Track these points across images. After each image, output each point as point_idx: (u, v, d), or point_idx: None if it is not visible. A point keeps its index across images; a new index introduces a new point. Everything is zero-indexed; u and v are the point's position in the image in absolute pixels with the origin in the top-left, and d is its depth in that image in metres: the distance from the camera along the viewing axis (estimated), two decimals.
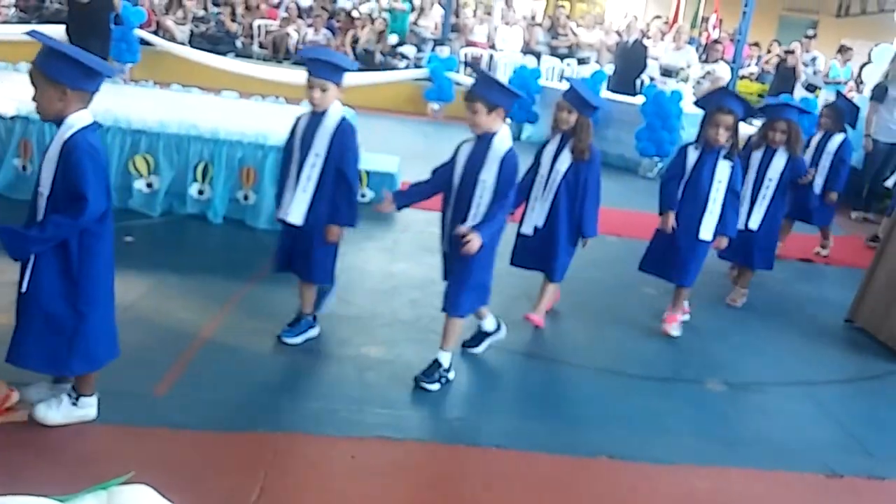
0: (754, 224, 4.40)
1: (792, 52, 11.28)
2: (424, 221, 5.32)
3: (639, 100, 9.06)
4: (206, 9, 12.93)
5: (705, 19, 12.73)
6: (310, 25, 12.76)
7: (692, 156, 3.83)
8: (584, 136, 3.54)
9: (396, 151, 6.19)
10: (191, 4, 12.86)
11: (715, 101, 3.82)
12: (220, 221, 4.77)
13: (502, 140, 2.96)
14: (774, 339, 4.17)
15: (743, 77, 11.85)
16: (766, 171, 4.38)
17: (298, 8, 13.31)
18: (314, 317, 3.33)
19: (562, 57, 13.26)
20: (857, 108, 5.99)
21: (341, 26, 13.08)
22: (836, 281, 5.33)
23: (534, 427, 2.89)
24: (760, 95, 10.98)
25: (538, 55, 12.93)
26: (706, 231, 3.78)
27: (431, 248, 4.69)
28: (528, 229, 3.72)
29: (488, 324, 3.42)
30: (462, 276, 3.00)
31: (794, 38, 13.24)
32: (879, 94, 6.92)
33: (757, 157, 4.42)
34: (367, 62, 12.26)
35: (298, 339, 3.25)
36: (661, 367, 3.56)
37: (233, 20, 12.66)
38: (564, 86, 10.26)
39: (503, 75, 12.15)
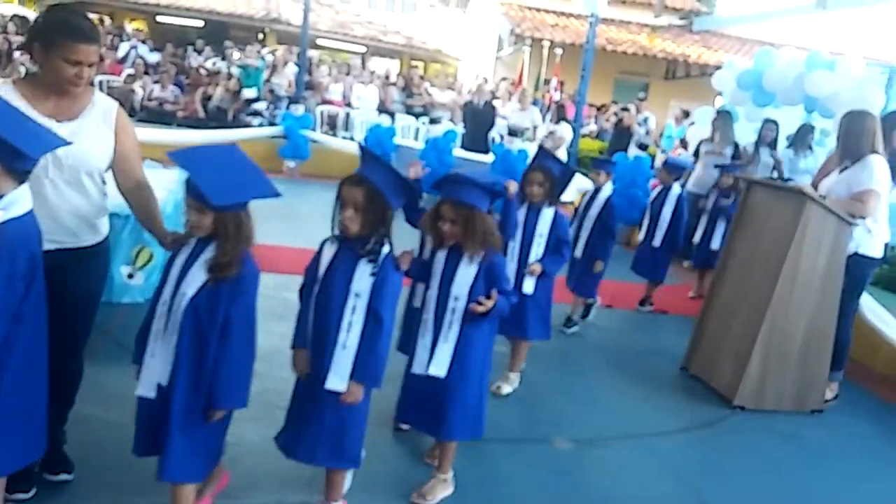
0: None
1: (627, 109, 12.16)
2: (274, 286, 5.15)
3: (489, 158, 9.40)
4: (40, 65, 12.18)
5: (547, 81, 13.47)
6: (156, 82, 12.32)
7: (327, 253, 2.49)
8: (230, 244, 2.23)
9: (250, 210, 5.99)
10: (23, 59, 12.08)
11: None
12: None
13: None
14: (616, 390, 4.33)
15: (584, 135, 12.58)
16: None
17: (145, 63, 12.84)
18: None
19: (417, 115, 13.57)
20: (572, 172, 4.54)
21: (191, 83, 12.73)
22: (672, 329, 5.63)
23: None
24: (601, 152, 11.69)
25: (393, 114, 13.14)
26: (334, 376, 2.39)
27: (281, 314, 4.53)
28: (147, 389, 2.27)
29: None
30: None
31: (629, 98, 14.30)
32: (697, 152, 7.57)
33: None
34: (220, 120, 11.97)
35: None
36: (510, 428, 3.58)
37: None
38: (419, 144, 10.66)
39: (359, 133, 12.29)
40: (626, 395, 4.27)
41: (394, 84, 14.72)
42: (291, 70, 13.54)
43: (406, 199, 2.57)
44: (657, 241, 5.97)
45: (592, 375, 4.53)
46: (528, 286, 3.88)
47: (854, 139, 4.21)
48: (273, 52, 14.95)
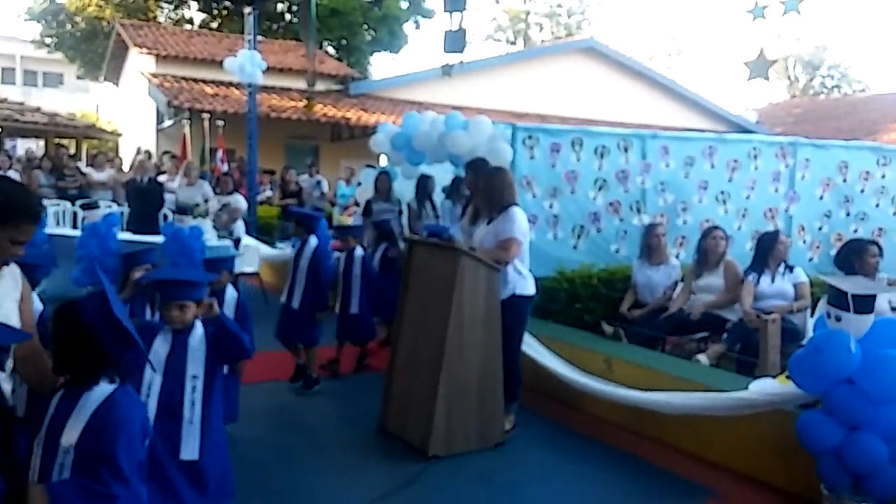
0: None
1: (288, 171, 12.48)
2: None
3: (159, 239, 8.81)
4: None
5: (214, 151, 13.16)
6: None
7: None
8: None
9: None
10: None
11: None
12: None
13: None
14: (318, 469, 4.24)
15: (262, 202, 12.50)
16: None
17: None
18: None
19: (72, 199, 12.29)
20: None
21: None
22: (370, 389, 5.56)
23: None
24: (279, 217, 11.73)
25: (40, 201, 11.73)
26: None
27: None
28: None
29: None
30: None
31: (301, 162, 14.56)
32: (367, 210, 7.96)
33: None
34: None
35: None
36: None
37: None
38: (76, 232, 9.62)
39: None
40: (329, 472, 4.21)
41: (38, 167, 13.19)
42: None
43: None
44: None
45: (291, 458, 4.38)
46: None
47: (497, 193, 4.72)
48: None
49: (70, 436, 2.04)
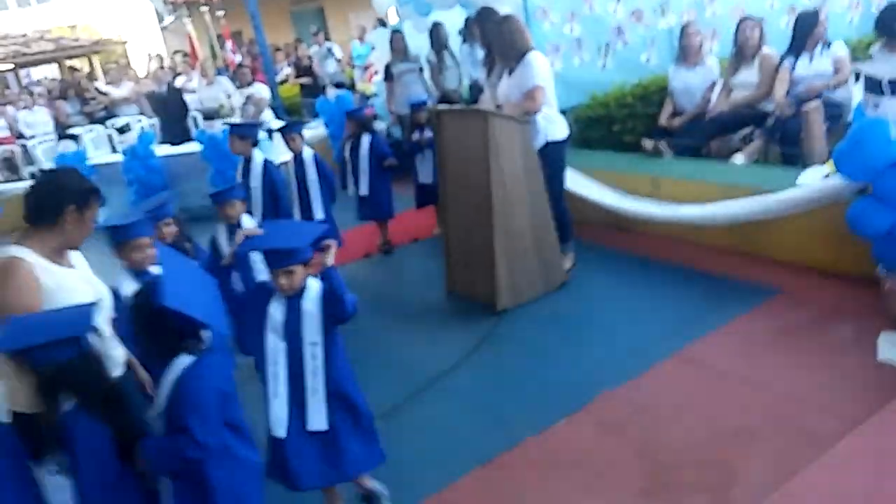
0: None
1: (296, 45, 12.08)
2: None
3: (196, 147, 8.95)
4: None
5: (221, 38, 12.86)
6: None
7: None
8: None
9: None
10: None
11: None
12: None
13: None
14: (397, 338, 4.55)
15: (282, 82, 12.33)
16: None
17: None
18: None
19: (102, 121, 12.41)
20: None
21: None
22: (434, 253, 5.62)
23: None
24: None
25: (74, 135, 11.90)
26: None
27: None
28: None
29: None
30: None
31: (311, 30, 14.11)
32: (388, 74, 7.80)
33: None
34: None
35: None
36: None
37: None
38: (117, 157, 9.82)
39: (46, 165, 11.02)
40: (410, 341, 4.50)
41: (62, 97, 13.26)
42: None
43: None
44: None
45: (372, 331, 4.55)
46: None
47: (508, 43, 4.60)
48: None
49: (159, 405, 2.23)
